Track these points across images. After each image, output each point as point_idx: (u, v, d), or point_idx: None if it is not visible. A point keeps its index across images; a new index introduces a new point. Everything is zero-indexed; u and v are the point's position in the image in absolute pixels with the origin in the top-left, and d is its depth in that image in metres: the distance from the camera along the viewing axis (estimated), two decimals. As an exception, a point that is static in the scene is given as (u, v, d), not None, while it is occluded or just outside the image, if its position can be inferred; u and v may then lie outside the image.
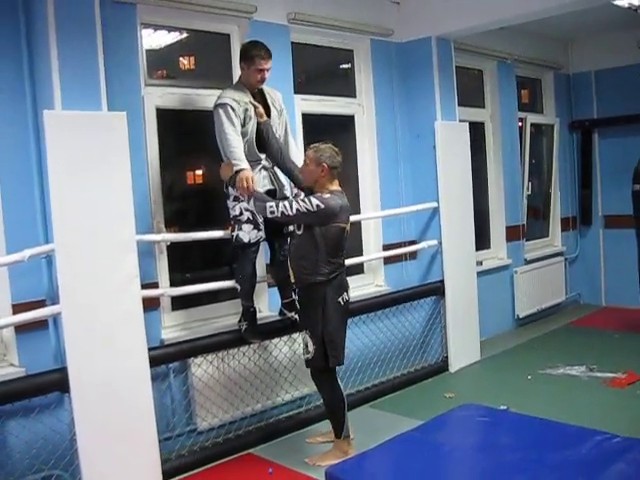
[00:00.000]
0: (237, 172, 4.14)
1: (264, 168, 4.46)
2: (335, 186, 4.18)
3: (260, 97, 4.50)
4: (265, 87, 4.53)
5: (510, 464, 3.46)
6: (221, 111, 4.22)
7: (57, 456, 3.86)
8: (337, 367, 4.32)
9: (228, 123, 4.21)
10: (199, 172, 5.23)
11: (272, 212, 4.04)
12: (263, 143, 4.41)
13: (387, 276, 6.10)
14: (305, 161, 4.19)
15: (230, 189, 4.33)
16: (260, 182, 4.36)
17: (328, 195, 4.06)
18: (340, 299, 4.19)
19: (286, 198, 4.41)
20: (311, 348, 4.18)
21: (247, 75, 4.41)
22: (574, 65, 8.47)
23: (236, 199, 4.31)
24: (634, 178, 6.55)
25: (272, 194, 4.42)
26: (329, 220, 4.04)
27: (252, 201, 4.11)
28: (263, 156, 4.44)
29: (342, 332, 4.28)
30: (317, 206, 3.98)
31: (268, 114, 4.47)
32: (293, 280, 4.30)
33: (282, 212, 4.01)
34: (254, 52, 4.34)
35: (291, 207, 4.00)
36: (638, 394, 5.23)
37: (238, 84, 4.48)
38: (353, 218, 4.60)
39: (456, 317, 6.20)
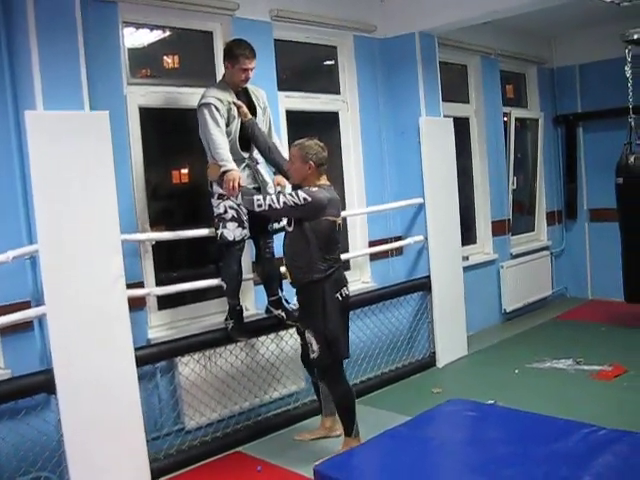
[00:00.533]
0: (225, 172, 4.14)
1: (248, 167, 4.47)
2: (323, 181, 4.16)
3: (244, 95, 4.49)
4: (249, 85, 4.52)
5: (498, 458, 3.46)
6: (205, 111, 4.21)
7: (45, 458, 3.84)
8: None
9: (213, 124, 4.20)
10: (184, 171, 5.21)
11: (260, 205, 4.02)
12: (247, 142, 4.41)
13: (373, 272, 6.11)
14: (291, 159, 4.17)
15: (215, 187, 4.32)
16: (244, 180, 4.35)
17: (315, 188, 4.04)
18: (338, 295, 4.16)
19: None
20: (315, 347, 4.14)
21: (231, 74, 4.39)
22: (558, 59, 8.49)
23: (220, 197, 4.31)
24: (617, 171, 6.57)
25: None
26: (317, 214, 4.03)
27: (240, 196, 4.11)
28: (246, 155, 4.44)
29: (343, 328, 4.25)
30: (304, 199, 3.96)
31: (253, 112, 4.46)
32: (290, 280, 4.27)
33: (269, 205, 3.99)
34: (238, 51, 4.33)
35: (278, 200, 3.99)
36: (625, 386, 5.27)
37: (222, 83, 4.46)
38: (339, 214, 4.60)
39: (443, 312, 6.22)
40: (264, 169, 4.57)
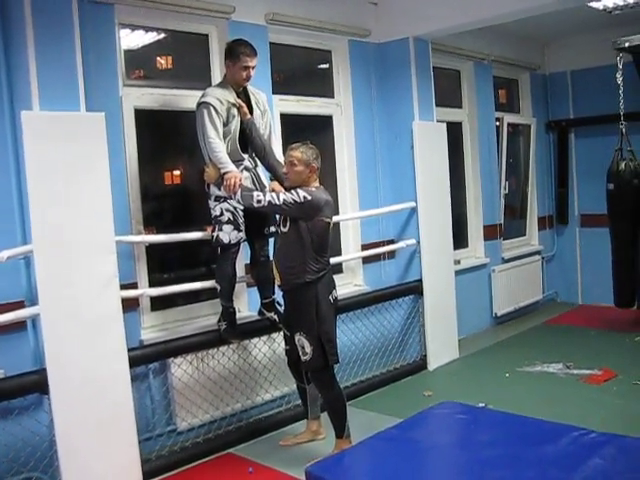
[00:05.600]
0: (225, 173, 4.15)
1: (246, 169, 4.45)
2: (317, 183, 4.20)
3: (244, 96, 4.50)
4: (250, 87, 4.54)
5: (488, 460, 3.49)
6: (204, 111, 4.22)
7: (36, 458, 3.84)
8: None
9: (210, 126, 4.21)
10: (177, 172, 5.22)
11: (259, 201, 4.02)
12: (246, 141, 4.43)
13: (366, 275, 6.13)
14: (292, 162, 4.12)
15: (212, 189, 4.33)
16: (243, 182, 4.35)
17: (314, 189, 4.09)
18: (330, 297, 4.20)
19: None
20: (308, 349, 4.15)
21: (233, 73, 4.41)
22: (550, 65, 8.55)
23: (217, 199, 4.32)
24: (608, 177, 6.62)
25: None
26: (315, 213, 4.05)
27: (239, 193, 4.09)
28: (246, 156, 4.45)
29: (335, 330, 4.29)
30: (304, 197, 3.99)
31: (251, 113, 4.46)
32: (279, 283, 4.27)
33: (269, 201, 4.00)
34: (240, 50, 4.36)
35: (278, 197, 4.00)
36: (614, 390, 5.30)
37: (223, 82, 4.48)
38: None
39: (434, 316, 6.24)
40: (262, 173, 4.58)
